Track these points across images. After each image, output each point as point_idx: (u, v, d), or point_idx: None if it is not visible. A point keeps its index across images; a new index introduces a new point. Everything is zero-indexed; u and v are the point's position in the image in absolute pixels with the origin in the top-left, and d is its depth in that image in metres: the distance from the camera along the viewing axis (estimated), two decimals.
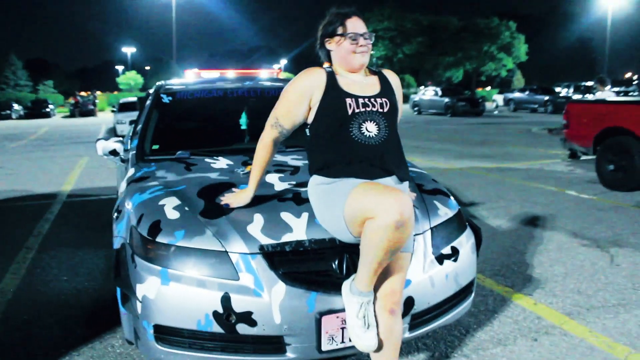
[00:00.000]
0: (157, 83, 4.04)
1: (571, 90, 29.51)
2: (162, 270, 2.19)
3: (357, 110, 2.11)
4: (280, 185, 2.60)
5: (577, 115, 7.60)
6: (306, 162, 2.99)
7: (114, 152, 3.38)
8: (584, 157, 8.51)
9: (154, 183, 2.70)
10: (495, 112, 30.95)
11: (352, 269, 2.19)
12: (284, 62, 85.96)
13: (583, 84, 31.16)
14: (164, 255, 2.21)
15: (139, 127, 3.43)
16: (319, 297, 2.13)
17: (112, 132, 19.12)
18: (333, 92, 2.14)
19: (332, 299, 2.13)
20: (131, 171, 3.00)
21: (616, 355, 2.68)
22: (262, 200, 2.43)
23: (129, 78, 63.40)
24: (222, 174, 2.81)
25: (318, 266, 2.21)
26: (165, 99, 3.67)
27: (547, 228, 5.11)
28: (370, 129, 2.12)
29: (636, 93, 28.09)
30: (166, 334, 2.19)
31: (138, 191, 2.65)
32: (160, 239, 2.25)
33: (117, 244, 2.49)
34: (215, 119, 3.73)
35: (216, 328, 2.11)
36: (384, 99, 2.17)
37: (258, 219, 2.28)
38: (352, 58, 2.17)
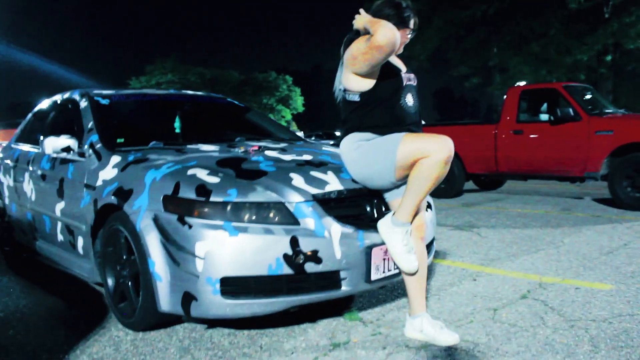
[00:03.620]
0: (76, 92, 3.89)
1: None
2: (225, 224, 2.32)
3: (407, 83, 2.54)
4: (286, 157, 2.89)
5: None
6: (285, 144, 3.33)
7: (67, 149, 3.21)
8: None
9: (162, 162, 2.74)
10: None
11: (380, 212, 2.61)
12: None
13: None
14: (223, 211, 2.36)
15: (90, 124, 3.33)
16: (365, 234, 2.49)
17: None
18: (390, 64, 2.52)
19: (372, 235, 2.52)
20: (116, 158, 2.94)
21: (533, 279, 3.51)
22: (283, 166, 2.70)
23: None
24: (222, 152, 2.96)
25: (355, 211, 2.58)
26: (103, 101, 3.61)
27: None
28: (410, 100, 2.56)
29: None
30: (233, 285, 2.31)
31: (151, 168, 2.67)
32: (214, 198, 2.38)
33: (149, 216, 2.47)
34: (163, 117, 3.78)
35: (286, 270, 2.32)
36: (412, 74, 2.66)
37: (296, 177, 2.56)
38: (400, 46, 2.58)
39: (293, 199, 2.43)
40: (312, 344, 2.52)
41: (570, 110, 6.74)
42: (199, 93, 4.32)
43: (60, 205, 3.37)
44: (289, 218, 2.40)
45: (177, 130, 3.93)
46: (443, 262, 4.06)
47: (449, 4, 16.88)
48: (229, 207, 2.37)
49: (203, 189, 2.42)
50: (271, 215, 2.39)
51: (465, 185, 8.52)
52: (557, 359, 2.27)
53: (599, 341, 2.44)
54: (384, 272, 2.56)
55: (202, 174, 2.54)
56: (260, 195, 2.41)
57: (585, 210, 6.48)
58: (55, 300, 3.40)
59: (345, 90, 2.56)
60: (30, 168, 3.89)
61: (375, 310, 2.98)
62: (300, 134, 20.73)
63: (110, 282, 2.86)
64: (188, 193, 2.43)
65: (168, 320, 2.69)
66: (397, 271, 2.62)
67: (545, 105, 7.64)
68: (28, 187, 3.91)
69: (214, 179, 2.50)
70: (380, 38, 2.26)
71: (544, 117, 7.40)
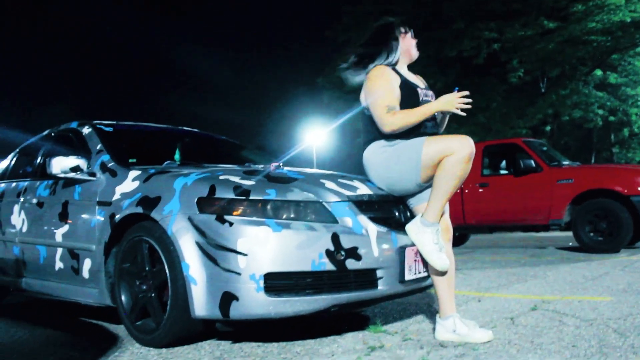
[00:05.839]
0: (73, 123, 3.86)
1: None
2: (267, 220, 2.34)
3: (423, 99, 2.71)
4: (309, 171, 2.98)
5: None
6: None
7: (76, 169, 3.14)
8: None
9: (187, 172, 2.74)
10: None
11: (406, 217, 2.70)
12: None
13: None
14: (264, 209, 2.39)
15: (98, 146, 3.31)
16: (397, 235, 2.56)
17: None
18: (406, 82, 2.70)
19: (403, 236, 2.59)
20: (135, 172, 2.91)
21: (534, 298, 3.62)
22: (311, 175, 2.78)
23: None
24: (241, 166, 3.00)
25: (384, 214, 2.66)
26: (106, 129, 3.61)
27: None
28: None
29: None
30: (276, 280, 2.29)
31: (179, 176, 2.67)
32: (254, 197, 2.41)
33: (183, 218, 2.44)
34: (165, 147, 3.79)
35: (329, 266, 2.34)
36: (430, 92, 2.84)
37: (327, 182, 2.64)
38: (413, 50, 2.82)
39: (330, 199, 2.49)
40: (348, 348, 2.49)
41: (532, 162, 7.18)
42: (195, 130, 4.37)
43: (62, 230, 3.25)
44: (328, 216, 2.44)
45: (177, 163, 3.94)
46: None
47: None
48: (269, 205, 2.40)
49: (241, 190, 2.45)
50: (310, 213, 2.43)
51: None
52: (592, 343, 2.35)
53: (624, 331, 2.55)
54: (415, 273, 2.61)
55: (235, 179, 2.57)
56: (298, 195, 2.46)
57: (553, 255, 6.77)
58: (53, 331, 3.20)
59: (366, 108, 2.71)
60: (22, 199, 3.75)
61: (396, 324, 2.99)
62: None
63: (125, 300, 2.75)
64: (226, 193, 2.44)
65: (194, 335, 2.60)
66: (426, 274, 2.68)
67: (504, 161, 8.08)
68: (18, 219, 3.74)
69: (248, 182, 2.53)
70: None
71: (504, 171, 7.82)
